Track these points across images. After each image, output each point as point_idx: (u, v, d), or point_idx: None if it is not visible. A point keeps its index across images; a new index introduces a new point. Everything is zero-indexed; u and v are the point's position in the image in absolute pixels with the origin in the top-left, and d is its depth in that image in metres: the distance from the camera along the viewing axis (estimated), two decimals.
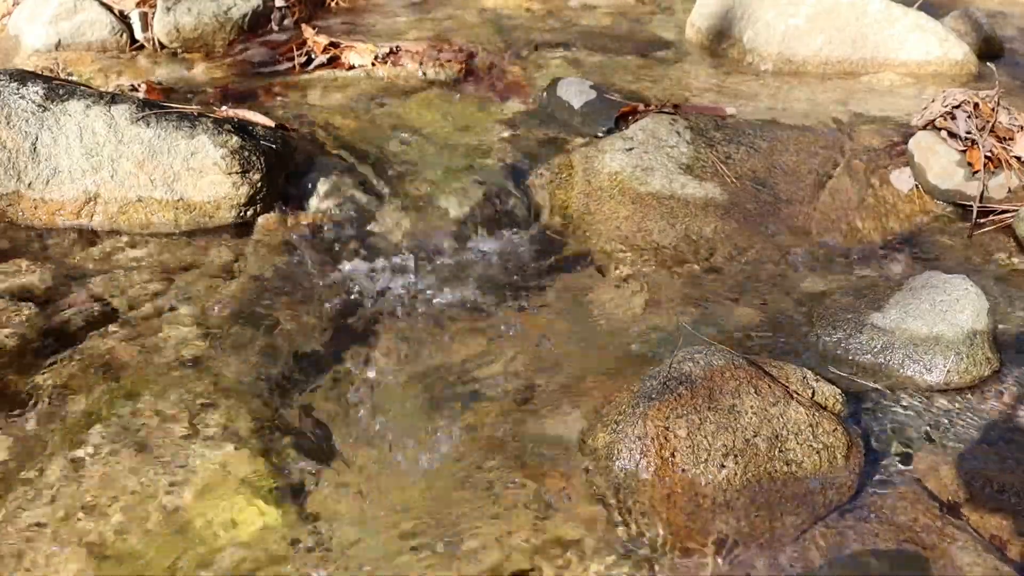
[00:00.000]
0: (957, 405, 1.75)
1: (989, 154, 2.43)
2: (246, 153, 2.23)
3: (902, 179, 2.50)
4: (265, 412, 1.68)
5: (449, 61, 3.07)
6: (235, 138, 2.23)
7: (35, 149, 2.19)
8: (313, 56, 3.08)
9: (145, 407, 1.67)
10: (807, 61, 3.20)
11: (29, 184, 2.19)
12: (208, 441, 1.60)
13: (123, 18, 3.20)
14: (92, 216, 2.20)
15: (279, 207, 2.28)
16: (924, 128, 2.57)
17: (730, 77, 3.14)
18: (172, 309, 1.94)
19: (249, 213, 2.24)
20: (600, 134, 2.66)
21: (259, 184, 2.24)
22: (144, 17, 3.19)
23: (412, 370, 1.83)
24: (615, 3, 3.90)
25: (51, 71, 2.93)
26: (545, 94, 2.87)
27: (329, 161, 2.45)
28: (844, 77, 3.15)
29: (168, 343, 1.84)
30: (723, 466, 1.50)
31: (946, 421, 1.71)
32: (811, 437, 1.56)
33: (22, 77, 2.28)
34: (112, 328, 1.87)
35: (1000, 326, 1.95)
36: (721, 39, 3.37)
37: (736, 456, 1.51)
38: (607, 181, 2.39)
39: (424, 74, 3.01)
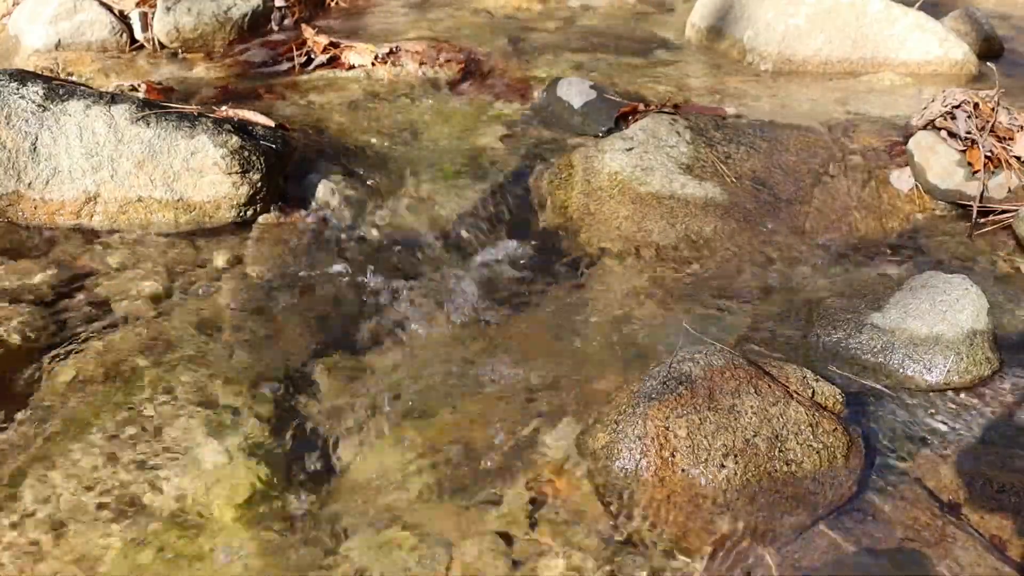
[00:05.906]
0: (957, 405, 1.75)
1: (989, 154, 2.43)
2: (246, 153, 2.23)
3: (902, 179, 2.50)
4: (265, 410, 1.68)
5: (449, 61, 3.07)
6: (235, 138, 2.23)
7: (35, 149, 2.19)
8: (313, 56, 3.08)
9: (146, 406, 1.67)
10: (807, 61, 3.20)
11: (29, 184, 2.19)
12: (209, 440, 1.60)
13: (123, 18, 3.20)
14: (92, 216, 2.20)
15: (279, 207, 2.28)
16: (924, 128, 2.56)
17: (730, 77, 3.14)
18: (172, 308, 1.94)
19: (249, 213, 2.24)
20: (600, 134, 2.66)
21: (259, 184, 2.24)
22: (144, 17, 3.20)
23: (411, 369, 1.83)
24: (615, 3, 3.90)
25: (51, 71, 2.94)
26: (545, 94, 2.87)
27: (329, 161, 2.45)
28: (844, 77, 3.15)
29: (168, 342, 1.84)
30: (723, 466, 1.50)
31: (946, 421, 1.71)
32: (811, 437, 1.56)
33: (22, 77, 2.28)
34: (112, 328, 1.87)
35: (1000, 326, 1.95)
36: (721, 39, 3.37)
37: (736, 456, 1.51)
38: (607, 181, 2.39)
39: (424, 74, 3.01)
